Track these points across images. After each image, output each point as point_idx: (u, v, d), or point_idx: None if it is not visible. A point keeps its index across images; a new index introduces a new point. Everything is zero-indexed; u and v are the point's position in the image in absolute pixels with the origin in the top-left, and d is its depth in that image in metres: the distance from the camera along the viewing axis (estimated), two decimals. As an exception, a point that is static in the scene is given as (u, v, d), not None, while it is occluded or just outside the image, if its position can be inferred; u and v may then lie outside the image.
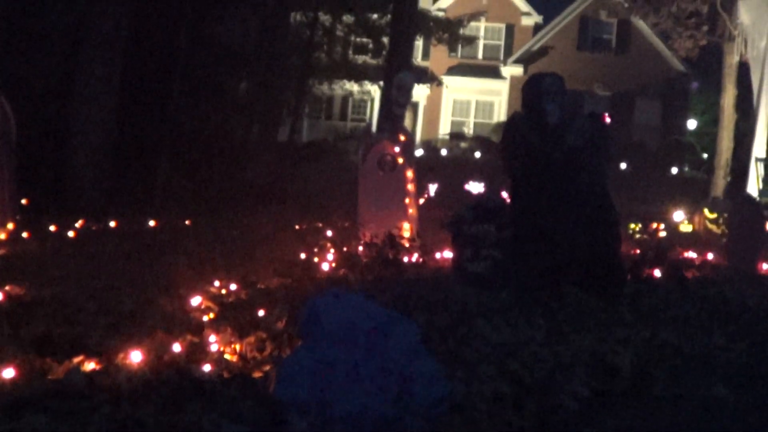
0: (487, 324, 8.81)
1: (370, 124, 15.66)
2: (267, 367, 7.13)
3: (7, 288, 10.20)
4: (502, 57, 43.56)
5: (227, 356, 7.49)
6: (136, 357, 7.18)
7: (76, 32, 18.22)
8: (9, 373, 6.83)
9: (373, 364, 5.63)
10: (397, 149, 14.37)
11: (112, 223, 15.82)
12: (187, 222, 16.42)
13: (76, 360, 7.21)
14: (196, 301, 9.74)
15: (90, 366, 7.15)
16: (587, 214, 10.43)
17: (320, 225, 16.07)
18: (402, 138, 14.62)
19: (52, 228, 14.70)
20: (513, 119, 11.41)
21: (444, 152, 30.07)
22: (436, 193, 17.94)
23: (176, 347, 7.49)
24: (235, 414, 5.57)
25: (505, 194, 13.37)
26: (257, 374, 6.89)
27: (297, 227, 15.91)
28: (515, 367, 7.12)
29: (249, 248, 13.53)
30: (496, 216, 10.80)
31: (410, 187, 14.39)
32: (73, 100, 17.99)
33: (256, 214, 17.44)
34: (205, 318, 9.17)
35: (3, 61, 16.95)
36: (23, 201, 14.62)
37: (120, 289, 10.38)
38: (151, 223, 15.94)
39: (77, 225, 15.26)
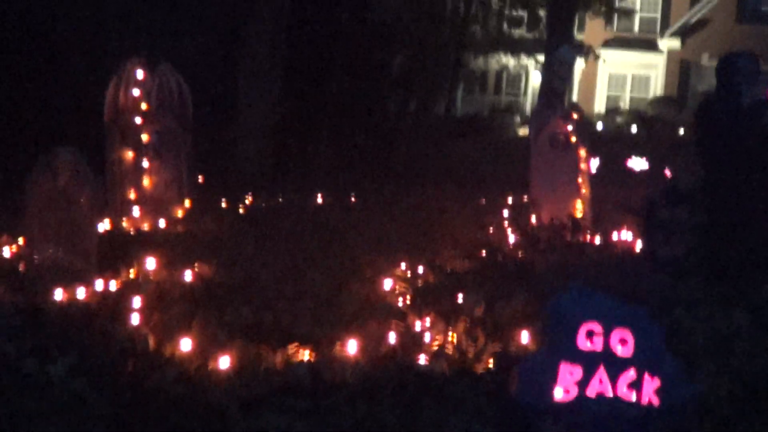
0: (687, 315, 8.45)
1: (543, 102, 15.17)
2: (486, 361, 6.88)
3: (196, 267, 10.13)
4: (658, 30, 42.25)
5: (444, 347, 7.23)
6: (352, 347, 6.99)
7: (240, 11, 18.16)
8: (225, 362, 6.71)
9: (620, 365, 5.34)
10: (569, 127, 13.96)
11: (280, 199, 15.71)
12: (352, 198, 16.22)
13: (291, 349, 7.04)
14: (388, 284, 9.54)
15: (305, 355, 6.98)
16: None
17: (491, 202, 15.71)
18: (575, 116, 14.20)
19: (223, 205, 14.66)
20: (705, 101, 10.92)
21: (600, 126, 29.46)
22: (597, 169, 17.50)
23: (391, 337, 7.28)
24: (479, 416, 5.33)
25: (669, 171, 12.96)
26: (479, 369, 6.65)
27: (474, 204, 15.56)
28: (736, 363, 6.76)
29: (424, 226, 13.26)
30: (689, 200, 10.37)
31: (583, 166, 13.97)
32: (239, 79, 17.96)
33: (418, 191, 17.16)
34: (401, 302, 8.98)
35: (169, 40, 16.96)
36: (199, 179, 14.60)
37: (308, 271, 10.23)
38: (318, 199, 15.76)
39: (247, 202, 15.18)
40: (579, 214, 13.59)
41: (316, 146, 18.99)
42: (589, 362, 5.31)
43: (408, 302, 8.96)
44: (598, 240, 12.49)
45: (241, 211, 14.64)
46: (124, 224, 12.68)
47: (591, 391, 5.27)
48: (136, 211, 12.89)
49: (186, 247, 11.36)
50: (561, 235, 12.34)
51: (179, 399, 5.78)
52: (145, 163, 13.04)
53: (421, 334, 7.52)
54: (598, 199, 14.62)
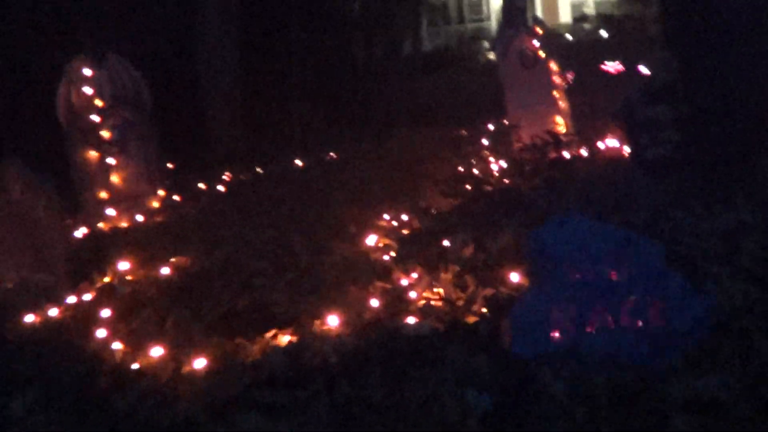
0: (686, 215, 7.76)
1: (505, 22, 14.42)
2: (479, 309, 6.20)
3: (173, 260, 9.46)
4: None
5: (431, 302, 6.53)
6: (333, 321, 6.32)
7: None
8: (201, 363, 6.05)
9: (618, 293, 4.67)
10: (536, 42, 13.23)
11: (258, 169, 15.00)
12: (333, 155, 15.51)
13: (269, 336, 6.37)
14: (371, 240, 8.85)
15: (286, 339, 6.31)
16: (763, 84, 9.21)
17: (470, 133, 14.97)
18: (539, 30, 13.46)
19: (201, 186, 13.96)
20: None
21: (569, 37, 28.53)
22: (573, 79, 16.73)
23: (374, 302, 6.59)
24: (474, 378, 4.66)
25: (644, 69, 12.18)
26: (471, 319, 5.96)
27: (454, 138, 14.82)
28: (747, 263, 6.06)
29: (405, 170, 12.55)
30: (668, 94, 9.63)
31: (557, 79, 13.26)
32: (197, 52, 17.23)
33: (397, 134, 16.40)
34: (387, 257, 8.30)
35: (117, 24, 16.17)
36: (169, 165, 13.88)
37: (289, 239, 9.55)
38: (298, 162, 15.05)
39: (225, 178, 14.47)
40: (561, 129, 12.90)
41: (287, 107, 18.19)
42: (584, 296, 4.63)
43: (393, 256, 8.28)
44: (584, 152, 11.77)
45: (220, 189, 13.93)
46: (101, 226, 12.00)
47: (591, 327, 4.60)
48: (111, 210, 12.21)
49: (166, 238, 10.70)
50: (545, 154, 11.63)
51: (149, 416, 5.13)
52: (111, 160, 12.33)
53: (407, 290, 6.82)
54: (577, 110, 13.89)
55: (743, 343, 4.75)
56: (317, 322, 6.34)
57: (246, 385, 5.30)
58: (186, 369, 6.06)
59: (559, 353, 4.50)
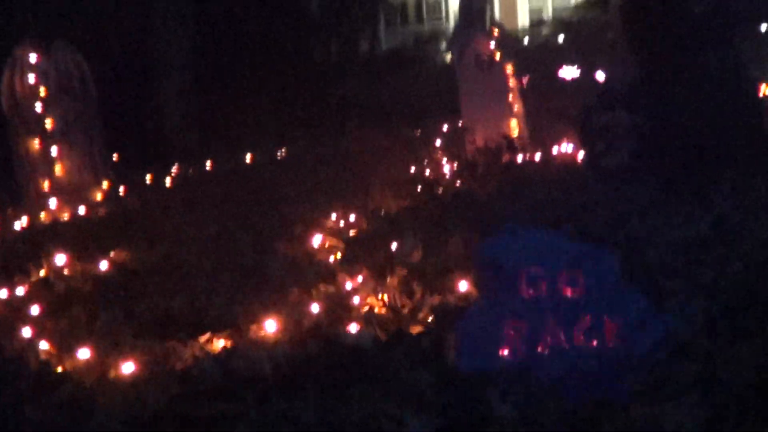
0: (643, 226, 7.39)
1: (462, 23, 14.03)
2: (425, 317, 5.78)
3: (112, 254, 8.99)
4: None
5: (375, 309, 6.10)
6: (271, 327, 5.88)
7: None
8: (129, 367, 5.60)
9: (572, 310, 4.26)
10: (492, 45, 12.84)
11: (208, 165, 14.51)
12: (283, 150, 15.05)
13: (203, 339, 5.93)
14: (317, 240, 8.43)
15: (221, 344, 5.87)
16: (720, 94, 8.88)
17: (424, 134, 14.56)
18: (495, 32, 13.07)
19: (147, 179, 13.47)
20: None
21: (526, 41, 28.13)
22: (529, 83, 16.37)
23: (314, 307, 6.14)
24: (416, 398, 4.23)
25: (601, 75, 11.81)
26: (415, 329, 5.54)
27: (408, 139, 14.39)
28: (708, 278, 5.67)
29: (357, 170, 12.12)
30: (626, 101, 9.26)
31: (512, 83, 12.87)
32: (150, 45, 16.71)
33: (351, 133, 15.94)
34: (332, 258, 7.87)
35: (83, 14, 15.65)
36: (114, 157, 13.35)
37: (233, 238, 9.11)
38: (249, 158, 14.57)
39: (172, 172, 13.97)
40: (515, 133, 12.51)
41: (241, 103, 17.67)
42: (537, 313, 4.23)
43: (339, 258, 7.86)
44: (538, 157, 11.39)
45: (167, 183, 13.44)
46: (42, 217, 11.50)
47: (543, 346, 4.19)
48: (53, 201, 11.71)
49: (106, 232, 10.21)
50: (497, 158, 11.24)
51: (63, 430, 4.66)
52: (54, 151, 11.82)
53: (351, 295, 6.39)
54: (533, 114, 13.50)
55: (706, 367, 4.36)
56: (254, 327, 5.89)
57: (172, 395, 4.85)
58: (113, 374, 5.61)
59: (508, 373, 4.11)
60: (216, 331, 5.99)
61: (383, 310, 6.01)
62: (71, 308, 7.11)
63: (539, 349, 4.16)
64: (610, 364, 4.18)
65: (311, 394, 4.55)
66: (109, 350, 5.91)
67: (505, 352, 4.14)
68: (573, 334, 4.19)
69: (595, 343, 4.18)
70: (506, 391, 4.02)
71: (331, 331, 5.53)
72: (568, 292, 4.19)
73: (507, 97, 12.83)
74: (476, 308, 4.30)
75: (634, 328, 4.23)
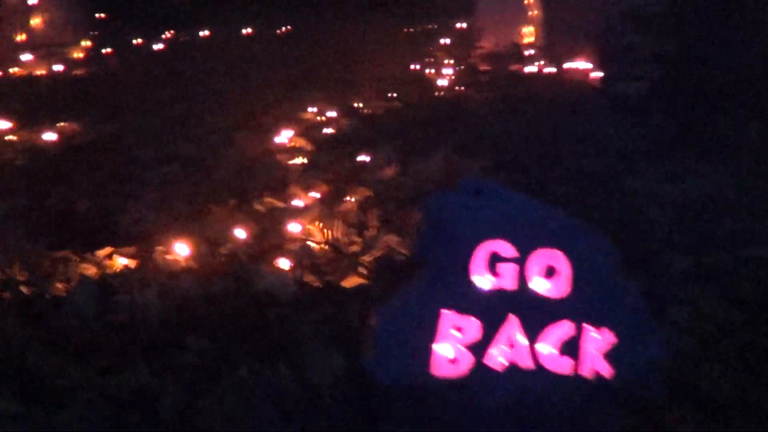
0: (654, 170, 6.01)
1: None
2: (371, 261, 4.43)
3: (62, 124, 7.71)
4: None
5: (312, 242, 4.72)
6: (182, 251, 4.54)
7: None
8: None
9: (549, 312, 2.89)
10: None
11: (203, 33, 13.08)
12: (286, 28, 13.58)
13: (103, 254, 4.60)
14: (284, 136, 7.08)
15: (122, 262, 4.54)
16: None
17: (434, 27, 13.05)
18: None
19: (136, 42, 12.09)
20: None
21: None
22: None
23: (240, 233, 4.77)
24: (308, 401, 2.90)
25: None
26: (351, 282, 4.18)
27: (415, 33, 12.91)
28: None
29: (350, 61, 10.70)
30: (655, 24, 7.78)
31: (533, -15, 11.41)
32: None
33: (359, 17, 14.34)
34: (293, 162, 6.52)
35: None
36: (100, 15, 11.97)
37: (195, 123, 7.77)
38: (248, 30, 13.14)
39: (164, 36, 12.56)
40: (530, 39, 11.07)
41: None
42: (493, 309, 2.86)
43: (303, 161, 6.51)
44: (542, 67, 9.91)
45: (155, 48, 12.05)
46: (14, 71, 10.23)
47: (494, 361, 2.84)
48: (27, 56, 10.45)
49: (68, 97, 8.93)
50: (504, 66, 9.80)
51: None
52: (33, 0, 10.53)
53: (294, 218, 4.99)
54: (551, 23, 11.96)
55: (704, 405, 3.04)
56: (160, 249, 4.55)
57: (28, 337, 3.54)
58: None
59: (439, 387, 2.78)
60: (119, 246, 4.65)
61: (323, 246, 4.65)
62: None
63: (489, 362, 2.82)
64: (581, 388, 2.86)
65: (194, 358, 3.27)
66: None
67: (440, 358, 2.79)
68: (541, 346, 2.85)
69: (569, 365, 2.85)
70: (431, 416, 2.71)
71: (249, 269, 4.18)
72: (540, 285, 2.85)
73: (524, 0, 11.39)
74: (407, 291, 2.93)
75: (627, 347, 2.90)
